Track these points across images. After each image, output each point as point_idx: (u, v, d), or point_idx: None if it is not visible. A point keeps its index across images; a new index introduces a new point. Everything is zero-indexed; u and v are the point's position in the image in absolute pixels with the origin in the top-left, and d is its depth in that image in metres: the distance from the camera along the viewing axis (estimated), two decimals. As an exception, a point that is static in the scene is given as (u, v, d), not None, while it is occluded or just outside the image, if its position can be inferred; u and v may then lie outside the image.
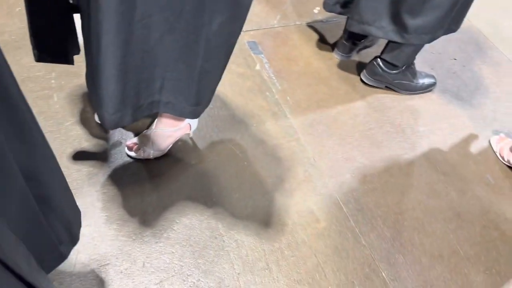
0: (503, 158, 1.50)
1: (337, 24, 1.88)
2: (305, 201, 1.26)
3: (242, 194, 1.23)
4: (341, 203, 1.28)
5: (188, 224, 1.14)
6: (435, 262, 1.21)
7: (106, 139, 1.27)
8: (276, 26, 1.82)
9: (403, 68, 1.58)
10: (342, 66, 1.71)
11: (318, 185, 1.31)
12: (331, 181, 1.33)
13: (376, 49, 1.77)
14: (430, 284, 1.17)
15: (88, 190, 1.15)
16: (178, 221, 1.14)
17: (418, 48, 1.52)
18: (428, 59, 1.82)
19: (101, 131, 1.27)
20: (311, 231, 1.20)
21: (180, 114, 0.96)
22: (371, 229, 1.24)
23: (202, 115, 1.26)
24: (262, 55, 1.66)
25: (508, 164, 1.49)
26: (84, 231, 1.03)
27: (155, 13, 0.73)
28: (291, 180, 1.30)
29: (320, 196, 1.28)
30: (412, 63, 1.61)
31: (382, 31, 1.42)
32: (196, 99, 0.93)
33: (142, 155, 1.21)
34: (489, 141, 1.56)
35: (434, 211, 1.33)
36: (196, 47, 0.81)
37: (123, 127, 1.29)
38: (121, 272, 1.03)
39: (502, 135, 1.57)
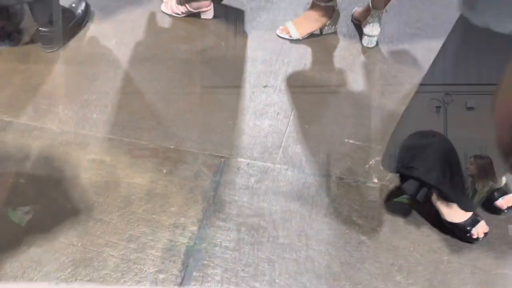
0: (177, 13, 1.80)
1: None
2: (80, 163, 1.34)
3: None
4: (110, 134, 1.42)
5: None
6: (168, 101, 1.50)
7: None
8: None
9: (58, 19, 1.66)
10: (15, 50, 1.70)
11: (71, 148, 1.37)
12: (71, 135, 1.41)
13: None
14: (189, 111, 1.47)
15: None
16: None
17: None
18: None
19: None
20: (106, 171, 1.32)
21: None
22: (138, 130, 1.43)
23: None
24: None
25: (184, 14, 1.79)
26: None
27: None
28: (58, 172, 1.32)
29: (82, 149, 1.37)
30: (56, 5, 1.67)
31: None
32: None
33: None
34: (161, 9, 1.83)
35: (148, 77, 1.61)
36: None
37: None
38: None
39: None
